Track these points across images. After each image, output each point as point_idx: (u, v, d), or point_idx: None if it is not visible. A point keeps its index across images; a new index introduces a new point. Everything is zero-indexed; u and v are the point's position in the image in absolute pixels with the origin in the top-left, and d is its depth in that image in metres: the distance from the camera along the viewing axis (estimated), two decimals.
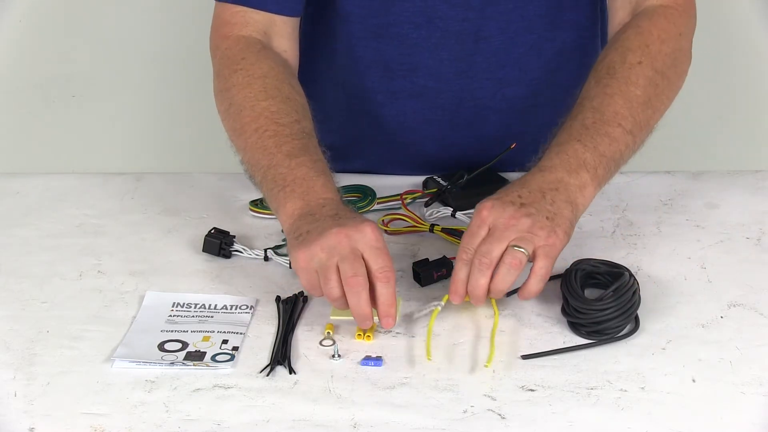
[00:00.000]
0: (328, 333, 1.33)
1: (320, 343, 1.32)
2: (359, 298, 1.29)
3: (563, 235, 1.35)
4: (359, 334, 1.33)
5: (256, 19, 1.62)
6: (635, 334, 1.32)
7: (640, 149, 1.50)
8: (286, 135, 1.47)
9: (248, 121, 1.50)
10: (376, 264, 1.31)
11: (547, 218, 1.35)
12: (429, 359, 1.29)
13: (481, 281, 1.32)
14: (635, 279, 1.34)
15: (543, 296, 1.39)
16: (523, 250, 1.32)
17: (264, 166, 1.45)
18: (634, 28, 1.56)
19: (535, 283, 1.34)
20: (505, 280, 1.32)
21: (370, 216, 1.57)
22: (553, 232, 1.34)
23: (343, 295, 1.31)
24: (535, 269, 1.33)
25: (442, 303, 1.35)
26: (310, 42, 1.71)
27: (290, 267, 1.45)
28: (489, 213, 1.35)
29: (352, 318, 1.34)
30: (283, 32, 1.63)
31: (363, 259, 1.31)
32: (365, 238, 1.31)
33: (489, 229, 1.34)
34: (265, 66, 1.57)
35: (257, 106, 1.51)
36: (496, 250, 1.32)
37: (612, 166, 1.44)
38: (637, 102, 1.48)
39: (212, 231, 1.50)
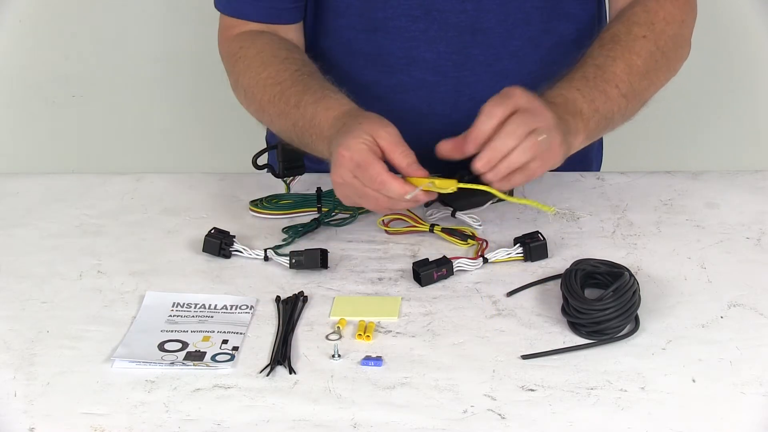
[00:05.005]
0: (338, 328, 1.33)
1: (327, 337, 1.32)
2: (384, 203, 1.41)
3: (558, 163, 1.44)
4: (359, 334, 1.33)
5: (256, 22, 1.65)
6: (635, 334, 1.32)
7: (630, 118, 1.57)
8: (289, 88, 1.55)
9: (260, 98, 1.58)
10: (365, 177, 1.39)
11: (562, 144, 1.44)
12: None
13: (510, 144, 1.38)
14: (635, 279, 1.34)
15: (543, 296, 1.39)
16: (544, 137, 1.39)
17: (290, 129, 1.54)
18: (642, 6, 1.62)
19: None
20: (519, 159, 1.38)
21: (370, 216, 1.57)
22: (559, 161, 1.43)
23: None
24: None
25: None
26: (308, 41, 1.72)
27: (290, 267, 1.45)
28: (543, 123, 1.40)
29: (352, 318, 1.35)
30: (285, 31, 1.69)
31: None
32: (346, 162, 1.39)
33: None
34: (259, 44, 1.64)
35: (261, 81, 1.59)
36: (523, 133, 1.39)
37: (602, 124, 1.51)
38: (636, 70, 1.55)
39: (212, 231, 1.50)
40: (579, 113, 1.48)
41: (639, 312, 1.33)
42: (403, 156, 1.40)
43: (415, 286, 1.43)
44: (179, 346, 1.32)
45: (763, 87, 2.65)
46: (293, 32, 1.68)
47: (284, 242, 1.51)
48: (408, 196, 1.38)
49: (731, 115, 2.67)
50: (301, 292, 1.41)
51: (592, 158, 1.86)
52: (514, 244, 1.48)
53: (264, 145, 1.71)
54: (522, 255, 1.47)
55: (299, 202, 1.59)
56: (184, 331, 1.35)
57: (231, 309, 1.39)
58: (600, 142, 1.91)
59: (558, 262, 1.46)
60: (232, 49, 1.65)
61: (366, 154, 1.39)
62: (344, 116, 1.47)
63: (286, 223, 1.56)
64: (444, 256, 1.44)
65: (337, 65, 1.70)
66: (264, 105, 1.59)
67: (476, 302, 1.39)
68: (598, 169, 1.89)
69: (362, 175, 1.39)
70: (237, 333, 1.34)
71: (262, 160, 1.60)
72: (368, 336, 1.32)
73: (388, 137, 1.41)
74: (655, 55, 1.57)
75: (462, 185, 1.41)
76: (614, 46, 1.56)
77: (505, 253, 1.47)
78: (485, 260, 1.46)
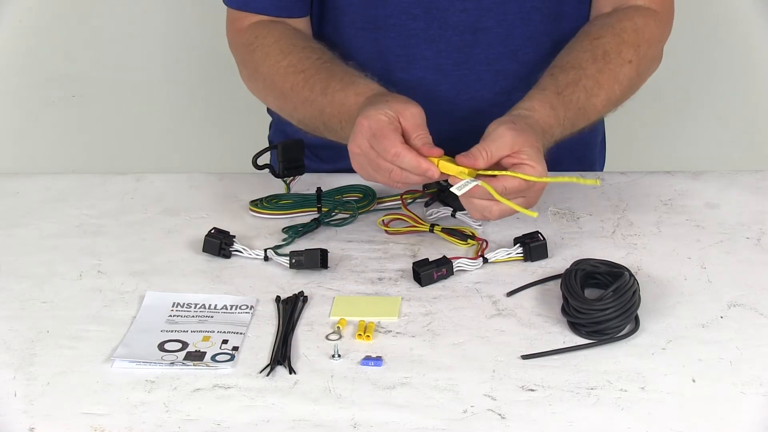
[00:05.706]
0: (338, 328, 1.33)
1: (327, 338, 1.32)
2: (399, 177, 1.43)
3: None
4: (359, 334, 1.33)
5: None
6: (635, 334, 1.32)
7: None
8: (313, 75, 1.56)
9: (281, 85, 1.60)
10: (380, 148, 1.41)
11: None
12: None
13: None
14: (635, 279, 1.34)
15: (543, 296, 1.39)
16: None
17: (316, 116, 1.56)
18: (631, 22, 1.62)
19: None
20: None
21: (370, 216, 1.57)
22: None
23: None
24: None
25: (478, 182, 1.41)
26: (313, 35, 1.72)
27: (290, 267, 1.45)
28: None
29: (352, 318, 1.35)
30: (294, 23, 1.69)
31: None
32: (364, 131, 1.41)
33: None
34: (276, 33, 1.65)
35: (281, 69, 1.60)
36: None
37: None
38: (613, 101, 1.59)
39: (212, 231, 1.50)
40: (551, 140, 1.51)
41: (639, 312, 1.33)
42: (418, 138, 1.43)
43: (415, 286, 1.43)
44: (179, 346, 1.32)
45: (763, 87, 2.65)
46: (301, 24, 1.69)
47: (284, 242, 1.51)
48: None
49: (731, 115, 2.67)
50: (301, 292, 1.41)
51: (594, 159, 1.86)
52: (514, 244, 1.48)
53: (265, 145, 1.71)
54: (522, 255, 1.47)
55: (299, 202, 1.59)
56: (184, 331, 1.35)
57: (231, 309, 1.39)
58: (602, 142, 1.91)
59: (558, 262, 1.46)
60: (247, 39, 1.66)
61: (384, 125, 1.41)
62: (373, 97, 1.49)
63: (286, 223, 1.56)
64: (444, 256, 1.44)
65: None
66: (286, 92, 1.59)
67: (476, 302, 1.39)
68: (602, 170, 1.89)
69: (378, 146, 1.41)
70: (237, 333, 1.34)
71: (263, 160, 1.60)
72: (368, 336, 1.32)
73: (412, 118, 1.43)
74: (632, 82, 1.61)
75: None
76: (604, 67, 1.57)
77: (505, 253, 1.47)
78: (485, 260, 1.46)
